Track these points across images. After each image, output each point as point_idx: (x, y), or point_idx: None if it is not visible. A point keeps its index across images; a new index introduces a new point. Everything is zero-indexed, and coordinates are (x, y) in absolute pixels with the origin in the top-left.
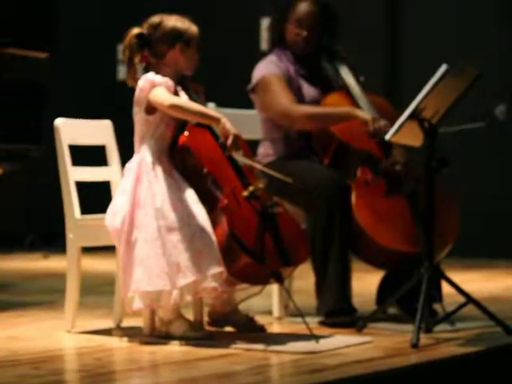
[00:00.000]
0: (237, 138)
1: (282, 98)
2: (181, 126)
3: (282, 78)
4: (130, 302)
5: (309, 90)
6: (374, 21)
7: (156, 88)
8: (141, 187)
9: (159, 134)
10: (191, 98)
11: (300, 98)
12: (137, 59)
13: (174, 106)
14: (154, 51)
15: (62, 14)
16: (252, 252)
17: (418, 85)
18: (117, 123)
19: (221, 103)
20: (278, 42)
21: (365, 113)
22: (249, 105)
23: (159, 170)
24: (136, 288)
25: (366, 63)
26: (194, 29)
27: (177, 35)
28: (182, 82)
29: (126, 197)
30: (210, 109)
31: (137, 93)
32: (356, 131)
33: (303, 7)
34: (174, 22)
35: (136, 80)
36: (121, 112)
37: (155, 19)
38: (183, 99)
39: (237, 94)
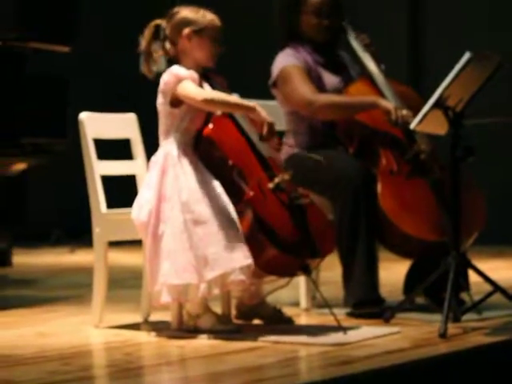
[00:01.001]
0: (271, 125)
1: (304, 88)
2: (205, 118)
3: (302, 68)
4: (157, 296)
5: (329, 79)
6: (397, 12)
7: (183, 82)
8: (167, 180)
9: (184, 127)
10: (215, 90)
11: (321, 87)
12: (153, 50)
13: (207, 100)
14: (170, 41)
15: (84, 6)
16: (279, 244)
17: (442, 73)
18: (141, 116)
19: (243, 94)
20: (292, 34)
21: (387, 102)
22: (271, 96)
23: (185, 162)
24: (163, 281)
25: (389, 52)
26: (208, 19)
27: (185, 23)
28: (205, 75)
29: (152, 190)
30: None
31: (161, 86)
32: (380, 117)
33: None
34: (187, 11)
35: (151, 71)
36: (145, 105)
37: (173, 10)
38: (214, 92)
39: (260, 85)
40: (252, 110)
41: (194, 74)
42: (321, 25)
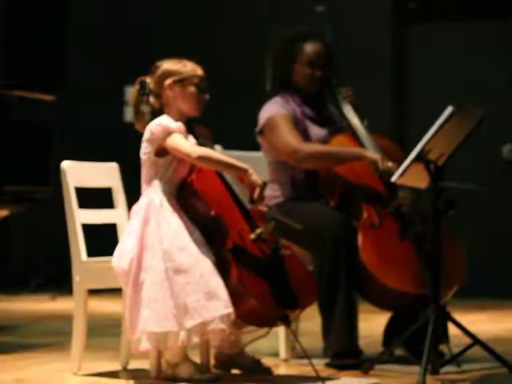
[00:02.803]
0: (262, 188)
1: (290, 137)
2: (189, 168)
3: (289, 117)
4: (136, 343)
5: (315, 132)
6: (381, 67)
7: (173, 135)
8: (149, 229)
9: (168, 176)
10: (199, 141)
11: (307, 140)
12: (142, 106)
13: (201, 158)
14: (154, 94)
15: (69, 55)
16: (258, 294)
17: (424, 127)
18: (123, 165)
19: (226, 145)
20: (283, 82)
21: (373, 153)
22: (253, 147)
23: (167, 211)
24: (143, 329)
25: (373, 108)
26: (188, 68)
27: (166, 75)
28: (188, 125)
29: (133, 238)
30: (217, 150)
31: (147, 135)
32: (361, 171)
33: (314, 48)
34: (168, 64)
35: (143, 125)
36: (128, 154)
37: (155, 64)
38: (208, 150)
39: (242, 136)
40: (244, 171)
41: (181, 127)
42: (313, 75)
